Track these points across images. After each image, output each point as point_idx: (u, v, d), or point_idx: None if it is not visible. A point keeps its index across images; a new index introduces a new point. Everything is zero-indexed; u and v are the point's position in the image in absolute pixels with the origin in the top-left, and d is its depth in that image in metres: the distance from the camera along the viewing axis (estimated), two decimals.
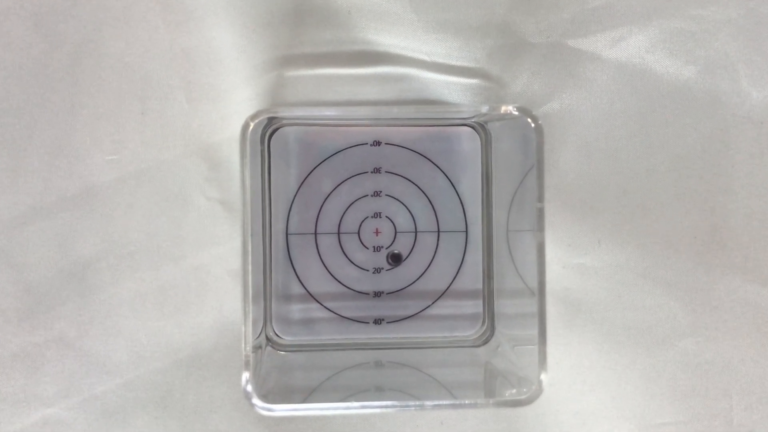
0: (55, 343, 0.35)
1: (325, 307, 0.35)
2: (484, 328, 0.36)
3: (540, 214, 0.30)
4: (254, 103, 0.35)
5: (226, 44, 0.35)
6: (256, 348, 0.32)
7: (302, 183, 0.35)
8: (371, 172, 0.35)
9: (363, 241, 0.35)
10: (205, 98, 0.35)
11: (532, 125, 0.30)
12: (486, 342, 0.36)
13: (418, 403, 0.30)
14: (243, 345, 0.29)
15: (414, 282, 0.36)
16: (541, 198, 0.30)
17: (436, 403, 0.30)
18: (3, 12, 0.34)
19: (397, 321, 0.36)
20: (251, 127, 0.29)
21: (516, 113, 0.30)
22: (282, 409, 0.29)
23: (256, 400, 0.29)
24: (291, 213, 0.35)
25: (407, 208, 0.35)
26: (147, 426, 0.35)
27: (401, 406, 0.30)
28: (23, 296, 0.35)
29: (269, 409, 0.29)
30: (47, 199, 0.35)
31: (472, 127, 0.35)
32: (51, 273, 0.35)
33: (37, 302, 0.35)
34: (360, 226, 0.35)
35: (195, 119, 0.35)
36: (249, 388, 0.29)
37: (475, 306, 0.36)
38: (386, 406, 0.30)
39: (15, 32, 0.34)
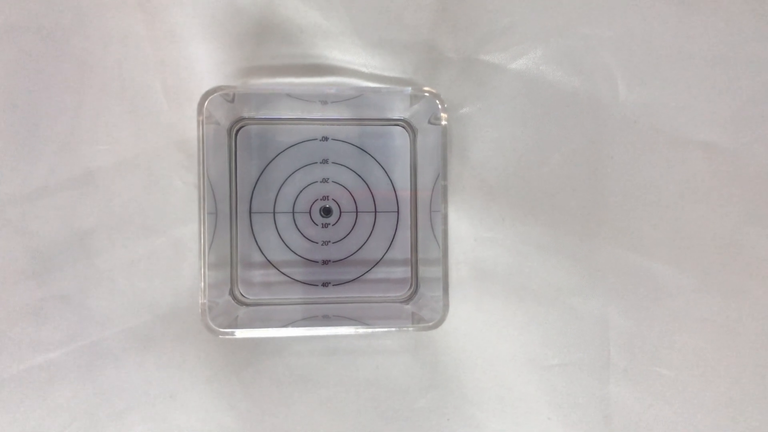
0: (58, 299, 0.35)
1: (281, 272, 0.36)
2: (412, 289, 0.36)
3: (444, 191, 0.31)
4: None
5: (201, 57, 0.35)
6: (224, 303, 0.33)
7: (263, 171, 0.35)
8: (320, 163, 0.36)
9: (313, 219, 0.36)
10: (183, 101, 0.35)
11: (439, 106, 0.31)
12: (411, 298, 0.36)
13: (364, 326, 0.31)
14: (200, 297, 0.30)
15: (355, 252, 0.36)
16: (444, 177, 0.31)
17: (372, 330, 0.31)
18: (18, 29, 0.34)
19: (341, 284, 0.36)
20: (207, 101, 0.30)
21: (427, 94, 0.31)
22: (242, 334, 0.31)
23: (214, 326, 0.30)
24: (254, 195, 0.35)
25: (350, 193, 0.36)
26: (133, 366, 0.35)
27: (347, 329, 0.31)
28: (32, 259, 0.34)
29: (231, 333, 0.31)
30: (55, 179, 0.34)
31: (403, 127, 0.36)
32: (56, 240, 0.34)
33: (44, 264, 0.35)
34: (311, 206, 0.36)
35: (174, 118, 0.35)
36: (209, 321, 0.30)
37: (404, 272, 0.36)
38: (332, 325, 0.31)
39: (34, 49, 0.35)
